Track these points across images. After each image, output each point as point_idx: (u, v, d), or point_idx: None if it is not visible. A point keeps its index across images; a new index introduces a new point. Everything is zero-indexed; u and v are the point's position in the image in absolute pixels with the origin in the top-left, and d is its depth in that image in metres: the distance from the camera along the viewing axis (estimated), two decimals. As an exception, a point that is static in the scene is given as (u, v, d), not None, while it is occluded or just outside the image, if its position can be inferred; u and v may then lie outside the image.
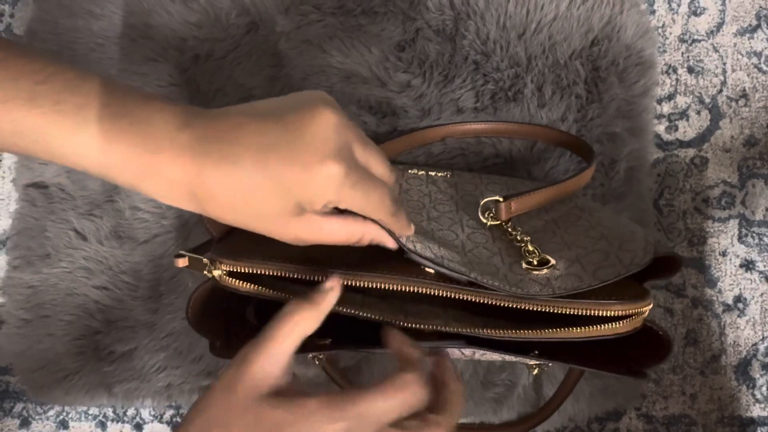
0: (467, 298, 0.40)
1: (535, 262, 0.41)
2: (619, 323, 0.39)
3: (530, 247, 0.42)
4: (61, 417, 0.63)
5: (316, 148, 0.31)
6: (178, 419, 0.62)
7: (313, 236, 0.35)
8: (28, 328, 0.58)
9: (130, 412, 0.62)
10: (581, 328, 0.39)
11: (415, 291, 0.40)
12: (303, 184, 0.31)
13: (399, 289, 0.40)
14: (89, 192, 0.59)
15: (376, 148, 0.36)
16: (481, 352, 0.42)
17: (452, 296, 0.40)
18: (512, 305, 0.40)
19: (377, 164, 0.36)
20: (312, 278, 0.40)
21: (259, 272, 0.40)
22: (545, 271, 0.41)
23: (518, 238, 0.43)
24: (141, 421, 0.62)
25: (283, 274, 0.40)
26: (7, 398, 0.63)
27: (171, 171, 0.31)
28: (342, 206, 0.34)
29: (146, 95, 0.32)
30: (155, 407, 0.62)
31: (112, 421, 0.62)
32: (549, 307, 0.39)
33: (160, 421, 0.62)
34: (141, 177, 0.31)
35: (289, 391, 0.33)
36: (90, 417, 0.63)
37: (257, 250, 0.41)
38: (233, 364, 0.33)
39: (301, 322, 0.34)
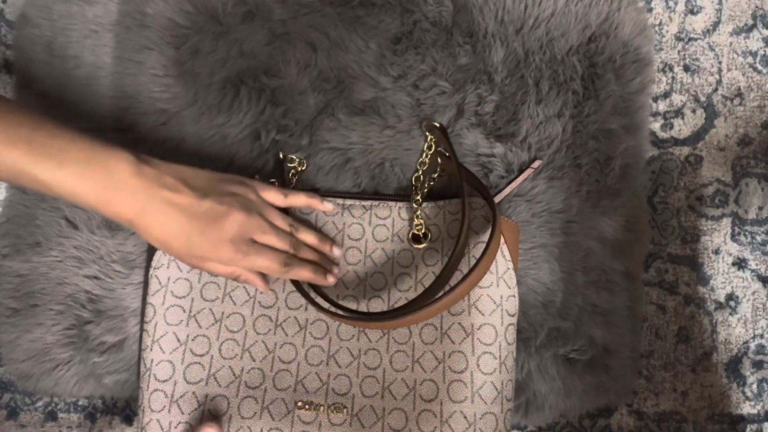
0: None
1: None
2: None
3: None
4: (50, 408, 0.62)
5: (223, 234, 0.47)
6: (169, 411, 0.62)
7: (203, 268, 0.49)
8: (16, 317, 0.58)
9: (120, 403, 0.62)
10: None
11: None
12: (207, 252, 0.48)
13: None
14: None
15: (275, 235, 0.50)
16: None
17: None
18: None
19: (275, 242, 0.50)
20: None
21: None
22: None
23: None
24: (131, 413, 0.62)
25: None
26: (-6, 388, 0.62)
27: (121, 207, 0.44)
28: (237, 266, 0.49)
29: (102, 142, 0.44)
30: (145, 399, 0.61)
31: (102, 412, 0.62)
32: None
33: (150, 413, 0.62)
34: (100, 206, 0.44)
35: None
36: (79, 408, 0.62)
37: None
38: None
39: None
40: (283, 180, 0.56)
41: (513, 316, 0.51)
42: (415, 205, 0.55)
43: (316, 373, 0.51)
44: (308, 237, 0.54)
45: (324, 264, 0.54)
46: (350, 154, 0.58)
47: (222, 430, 0.50)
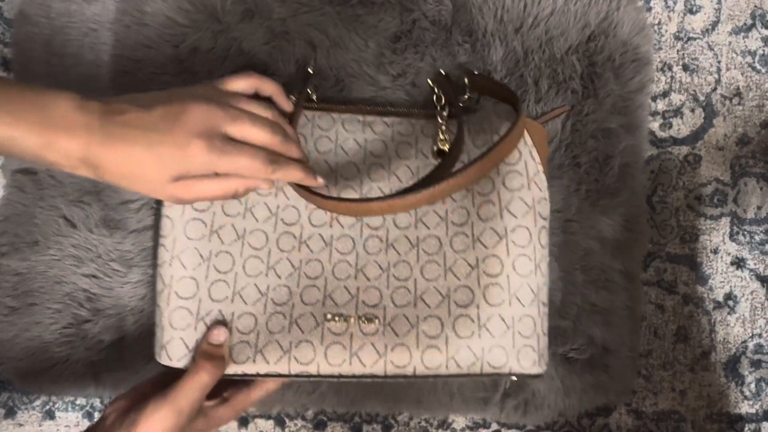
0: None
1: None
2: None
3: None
4: (48, 407, 0.62)
5: (187, 131, 0.41)
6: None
7: (190, 196, 0.43)
8: (15, 316, 0.57)
9: (118, 402, 0.62)
10: None
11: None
12: (178, 158, 0.41)
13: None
14: (79, 179, 0.58)
15: (251, 122, 0.44)
16: None
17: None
18: None
19: (254, 132, 0.44)
20: None
21: None
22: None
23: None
24: (129, 412, 0.62)
25: None
26: (-8, 387, 0.62)
27: (66, 144, 0.39)
28: (217, 171, 0.43)
29: (47, 87, 0.40)
30: (143, 398, 0.61)
31: (100, 411, 0.62)
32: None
33: (149, 412, 0.61)
34: (41, 149, 0.39)
35: None
36: (77, 407, 0.62)
37: None
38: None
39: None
40: (299, 96, 0.53)
41: (546, 219, 0.50)
42: (440, 120, 0.54)
43: (344, 286, 0.50)
44: (292, 131, 0.48)
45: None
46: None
47: (231, 334, 0.48)
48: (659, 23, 0.63)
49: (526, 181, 0.49)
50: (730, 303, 0.63)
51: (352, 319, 0.48)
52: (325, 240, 0.51)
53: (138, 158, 0.40)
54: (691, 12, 0.63)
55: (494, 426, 0.62)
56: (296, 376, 0.47)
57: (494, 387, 0.58)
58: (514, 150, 0.50)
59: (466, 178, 0.45)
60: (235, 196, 0.46)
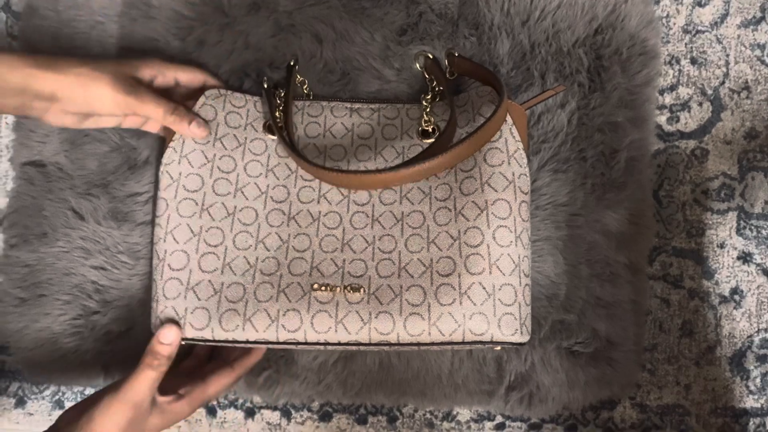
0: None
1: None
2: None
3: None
4: (57, 397, 0.63)
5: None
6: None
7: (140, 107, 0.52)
8: (24, 307, 0.58)
9: (126, 392, 0.62)
10: None
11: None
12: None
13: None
14: (87, 171, 0.59)
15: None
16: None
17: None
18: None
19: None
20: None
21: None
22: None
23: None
24: (137, 402, 0.62)
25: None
26: (2, 377, 0.63)
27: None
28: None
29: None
30: (151, 388, 0.62)
31: (108, 401, 0.62)
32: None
33: (156, 403, 0.62)
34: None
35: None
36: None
37: None
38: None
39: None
40: (288, 90, 0.56)
41: (526, 194, 0.51)
42: (425, 103, 0.56)
43: (331, 259, 0.51)
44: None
45: None
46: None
47: (182, 329, 0.49)
48: (667, 16, 0.63)
49: (507, 158, 0.51)
50: (736, 297, 0.62)
51: (338, 289, 0.49)
52: (313, 216, 0.53)
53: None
54: (700, 5, 0.63)
55: (499, 418, 0.62)
56: (284, 343, 0.48)
57: (499, 379, 0.59)
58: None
59: (461, 152, 0.48)
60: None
